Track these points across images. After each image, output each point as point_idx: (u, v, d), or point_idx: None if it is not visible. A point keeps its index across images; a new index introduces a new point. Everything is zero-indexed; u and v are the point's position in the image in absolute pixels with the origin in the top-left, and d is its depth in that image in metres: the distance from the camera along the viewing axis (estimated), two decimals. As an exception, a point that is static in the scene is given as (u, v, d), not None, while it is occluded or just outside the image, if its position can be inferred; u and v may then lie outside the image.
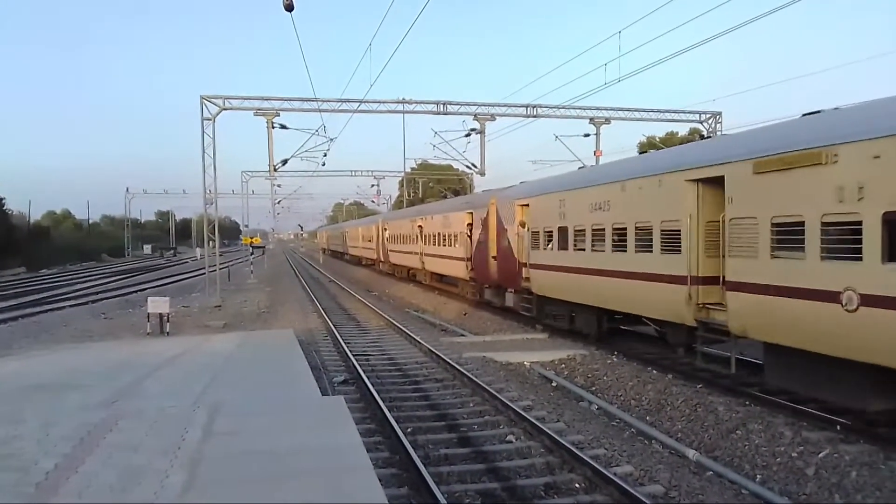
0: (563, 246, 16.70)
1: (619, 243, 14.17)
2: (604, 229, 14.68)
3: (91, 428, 7.65)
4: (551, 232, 17.35)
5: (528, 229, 19.01)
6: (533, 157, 64.80)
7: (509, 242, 20.34)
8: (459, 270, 26.60)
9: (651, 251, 13.05)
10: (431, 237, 31.30)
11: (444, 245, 28.86)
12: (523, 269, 19.24)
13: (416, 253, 34.23)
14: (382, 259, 45.40)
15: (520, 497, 7.61)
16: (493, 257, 21.75)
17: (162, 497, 5.58)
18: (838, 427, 9.15)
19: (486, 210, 22.73)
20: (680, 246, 12.15)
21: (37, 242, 70.58)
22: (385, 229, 43.76)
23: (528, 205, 19.15)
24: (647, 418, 10.84)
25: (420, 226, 33.48)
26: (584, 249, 15.59)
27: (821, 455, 8.34)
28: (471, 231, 24.81)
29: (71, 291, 37.68)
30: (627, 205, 13.88)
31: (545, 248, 17.80)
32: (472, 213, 24.80)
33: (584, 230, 15.57)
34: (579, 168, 20.73)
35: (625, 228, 13.95)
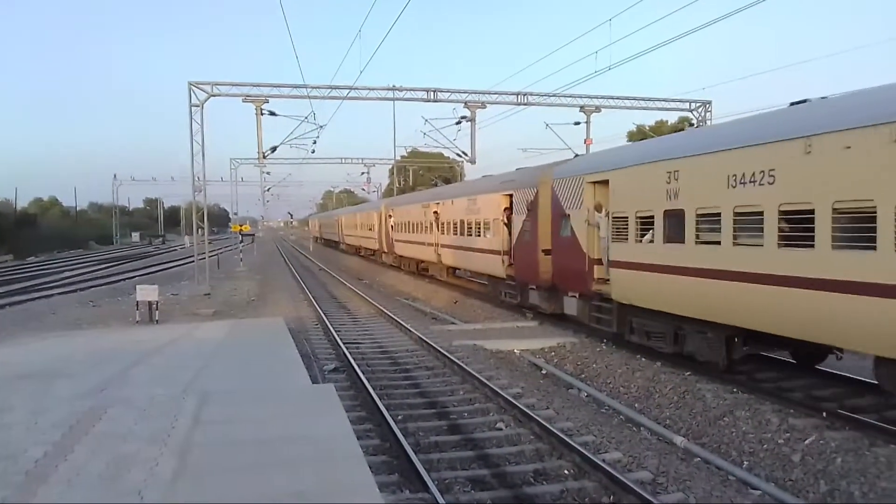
0: (674, 237, 12.04)
1: (793, 235, 9.37)
2: (761, 213, 9.88)
3: (80, 416, 7.64)
4: (650, 217, 12.71)
5: (607, 214, 14.39)
6: (523, 145, 64.72)
7: (573, 232, 15.91)
8: (493, 267, 21.66)
9: (874, 247, 8.10)
10: (451, 225, 26.41)
11: (471, 235, 23.93)
12: (596, 267, 15.02)
13: (431, 244, 29.35)
14: (386, 250, 40.31)
15: (509, 483, 7.66)
16: (546, 251, 17.63)
17: (151, 484, 5.58)
18: (824, 414, 9.25)
19: (533, 190, 18.28)
20: None
21: (24, 230, 69.98)
22: (390, 216, 38.35)
23: (606, 181, 14.50)
24: (636, 405, 10.93)
25: (436, 212, 28.53)
26: (716, 243, 10.84)
27: (807, 442, 8.44)
28: (509, 218, 20.36)
29: (59, 279, 37.43)
30: (815, 175, 8.94)
31: (638, 241, 13.19)
32: (510, 194, 20.24)
33: (717, 214, 10.83)
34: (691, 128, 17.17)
35: (808, 211, 9.04)
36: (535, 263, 18.04)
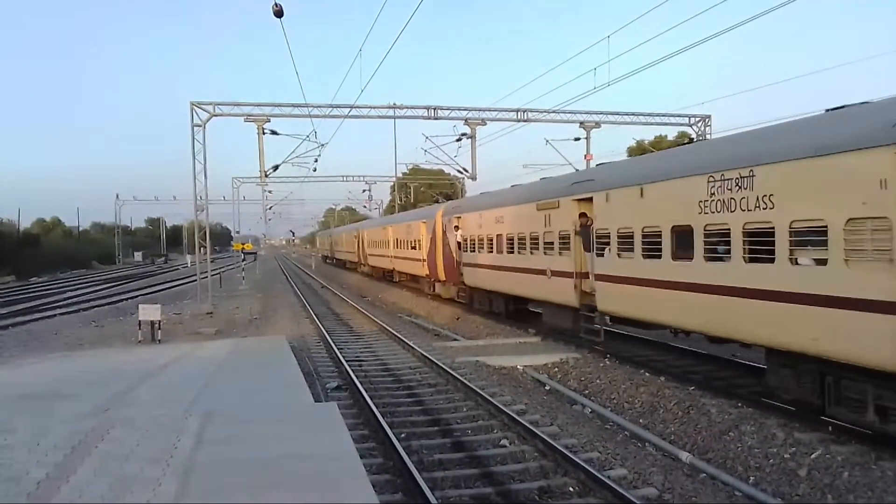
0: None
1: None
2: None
3: (82, 437, 7.61)
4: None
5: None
6: (523, 161, 64.97)
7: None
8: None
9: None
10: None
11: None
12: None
13: (569, 273, 16.49)
14: (443, 277, 27.49)
15: (514, 501, 7.60)
16: None
17: (154, 506, 5.54)
18: (830, 428, 9.19)
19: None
20: None
21: (26, 250, 70.09)
22: (456, 227, 25.29)
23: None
24: (641, 421, 10.86)
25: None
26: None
27: (813, 456, 8.38)
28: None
29: (61, 299, 37.44)
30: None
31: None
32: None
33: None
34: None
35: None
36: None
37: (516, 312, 21.67)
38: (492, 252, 21.21)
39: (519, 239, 19.14)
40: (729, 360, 13.74)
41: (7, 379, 12.51)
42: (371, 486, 6.07)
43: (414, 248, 32.83)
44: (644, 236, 12.91)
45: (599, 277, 14.76)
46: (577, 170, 26.61)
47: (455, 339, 19.59)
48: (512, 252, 19.61)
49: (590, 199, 15.26)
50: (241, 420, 8.54)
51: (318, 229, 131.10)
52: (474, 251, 22.98)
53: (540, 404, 11.85)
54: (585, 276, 15.59)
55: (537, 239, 17.85)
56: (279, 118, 28.82)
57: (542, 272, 17.43)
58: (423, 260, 30.47)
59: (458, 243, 24.83)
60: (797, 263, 9.21)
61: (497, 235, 20.73)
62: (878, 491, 7.36)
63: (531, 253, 18.13)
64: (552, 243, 16.96)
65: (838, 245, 8.41)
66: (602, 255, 14.55)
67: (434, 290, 29.86)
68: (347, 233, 64.98)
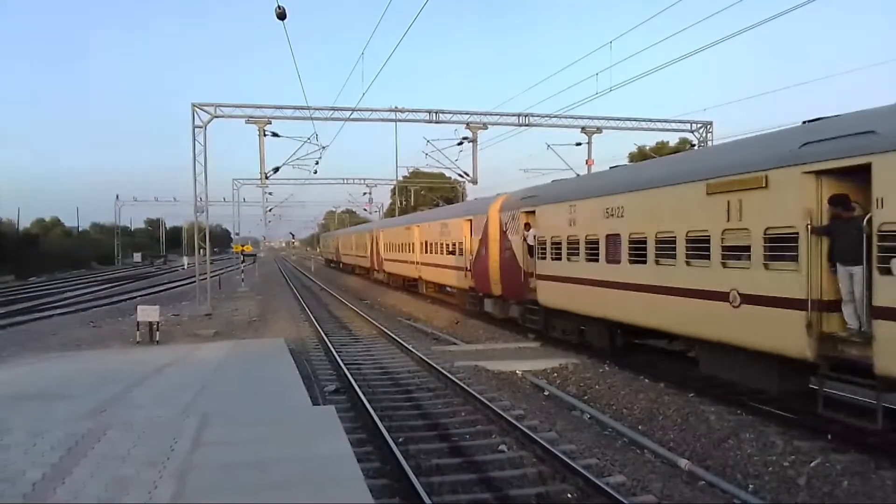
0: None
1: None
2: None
3: (79, 438, 7.58)
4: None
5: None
6: (524, 165, 65.02)
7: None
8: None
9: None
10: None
11: None
12: None
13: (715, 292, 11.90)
14: (525, 302, 19.28)
15: (512, 507, 7.56)
16: None
17: (150, 508, 5.51)
18: (829, 436, 9.16)
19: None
20: None
21: (26, 250, 70.04)
22: (529, 226, 19.04)
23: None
24: (640, 427, 10.83)
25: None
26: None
27: (812, 464, 8.35)
28: None
29: (60, 300, 37.42)
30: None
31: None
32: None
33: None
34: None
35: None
36: None
37: (625, 349, 15.04)
38: (595, 260, 14.76)
39: (660, 241, 12.36)
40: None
41: (4, 379, 12.47)
42: (368, 490, 6.04)
43: (452, 252, 26.38)
44: None
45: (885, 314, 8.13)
46: (577, 174, 26.25)
47: (454, 344, 19.56)
48: (640, 261, 12.94)
49: (853, 170, 8.68)
50: (239, 422, 8.51)
51: (319, 231, 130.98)
52: (558, 258, 16.57)
53: (539, 410, 11.82)
54: (827, 305, 9.15)
55: (705, 240, 11.03)
56: (280, 120, 28.86)
57: (719, 296, 10.73)
58: (466, 269, 24.16)
59: (530, 247, 18.56)
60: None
61: (610, 236, 14.17)
62: (878, 500, 7.34)
63: (688, 263, 11.52)
64: (745, 248, 10.30)
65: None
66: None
67: (482, 308, 23.08)
68: (358, 234, 56.38)
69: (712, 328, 11.09)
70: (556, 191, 18.01)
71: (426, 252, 30.67)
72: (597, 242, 14.79)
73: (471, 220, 23.87)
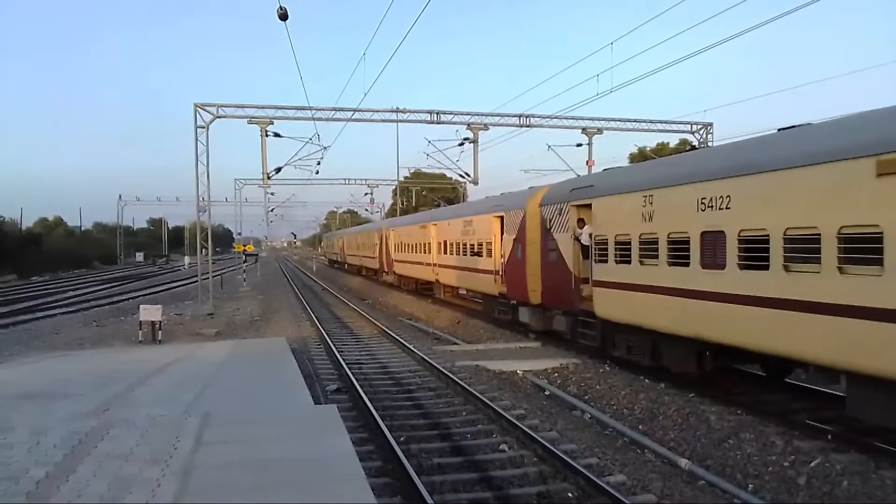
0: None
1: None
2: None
3: (82, 436, 7.61)
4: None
5: None
6: (525, 166, 65.01)
7: None
8: None
9: None
10: None
11: None
12: None
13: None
14: (576, 313, 16.26)
15: (512, 506, 7.59)
16: None
17: (153, 506, 5.54)
18: (829, 436, 9.18)
19: None
20: None
21: (28, 249, 70.15)
22: (583, 222, 16.02)
23: None
24: (640, 427, 10.85)
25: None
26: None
27: (812, 464, 8.37)
28: None
29: (62, 299, 37.48)
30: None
31: None
32: None
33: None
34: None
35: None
36: None
37: (715, 373, 12.26)
38: (683, 264, 11.68)
39: (793, 240, 9.37)
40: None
41: (7, 378, 12.52)
42: (370, 488, 6.07)
43: (477, 253, 23.31)
44: None
45: None
46: (578, 175, 26.09)
47: (455, 343, 19.59)
48: (757, 266, 9.96)
49: None
50: (241, 421, 8.54)
51: (321, 231, 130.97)
52: (626, 260, 13.48)
53: (539, 409, 11.85)
54: None
55: (873, 240, 8.12)
56: (282, 121, 28.94)
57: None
58: (496, 272, 21.33)
59: (583, 247, 15.68)
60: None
61: (708, 233, 11.06)
62: (878, 500, 7.35)
63: (841, 270, 8.55)
64: None
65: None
66: None
67: (515, 318, 20.07)
68: (365, 233, 52.31)
69: (885, 359, 8.00)
70: (622, 179, 14.66)
71: (445, 253, 27.91)
72: (686, 242, 11.60)
73: (502, 217, 20.94)
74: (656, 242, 12.48)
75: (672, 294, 11.98)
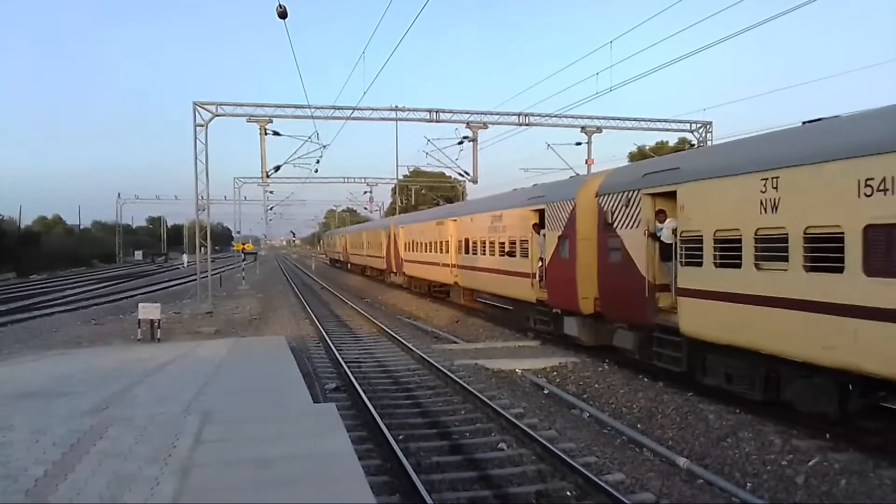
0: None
1: None
2: None
3: (81, 435, 7.61)
4: None
5: None
6: (524, 165, 64.96)
7: None
8: None
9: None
10: None
11: None
12: None
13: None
14: (648, 328, 13.07)
15: (511, 505, 7.60)
16: None
17: (152, 505, 5.55)
18: (828, 436, 9.19)
19: None
20: None
21: (27, 248, 70.08)
22: (663, 214, 12.81)
23: None
24: (639, 426, 10.86)
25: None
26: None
27: (810, 463, 8.38)
28: None
29: (61, 297, 37.46)
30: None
31: None
32: None
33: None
34: None
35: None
36: None
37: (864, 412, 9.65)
38: (835, 269, 8.56)
39: None
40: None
41: (6, 376, 12.52)
42: (369, 487, 6.08)
43: (509, 252, 20.24)
44: None
45: None
46: (577, 174, 26.04)
47: (454, 342, 19.60)
48: None
49: None
50: (240, 420, 8.54)
51: (320, 230, 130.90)
52: (732, 263, 10.42)
53: (538, 408, 11.86)
54: None
55: None
56: (281, 119, 28.89)
57: None
58: (533, 275, 18.40)
59: (663, 246, 12.66)
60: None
61: (875, 228, 8.10)
62: (876, 499, 7.36)
63: None
64: None
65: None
66: None
67: (559, 329, 17.28)
68: (371, 231, 48.28)
69: None
70: (722, 157, 11.48)
71: (466, 252, 24.59)
72: (838, 240, 8.52)
73: (542, 210, 17.92)
74: (784, 240, 9.37)
75: (810, 310, 8.97)
